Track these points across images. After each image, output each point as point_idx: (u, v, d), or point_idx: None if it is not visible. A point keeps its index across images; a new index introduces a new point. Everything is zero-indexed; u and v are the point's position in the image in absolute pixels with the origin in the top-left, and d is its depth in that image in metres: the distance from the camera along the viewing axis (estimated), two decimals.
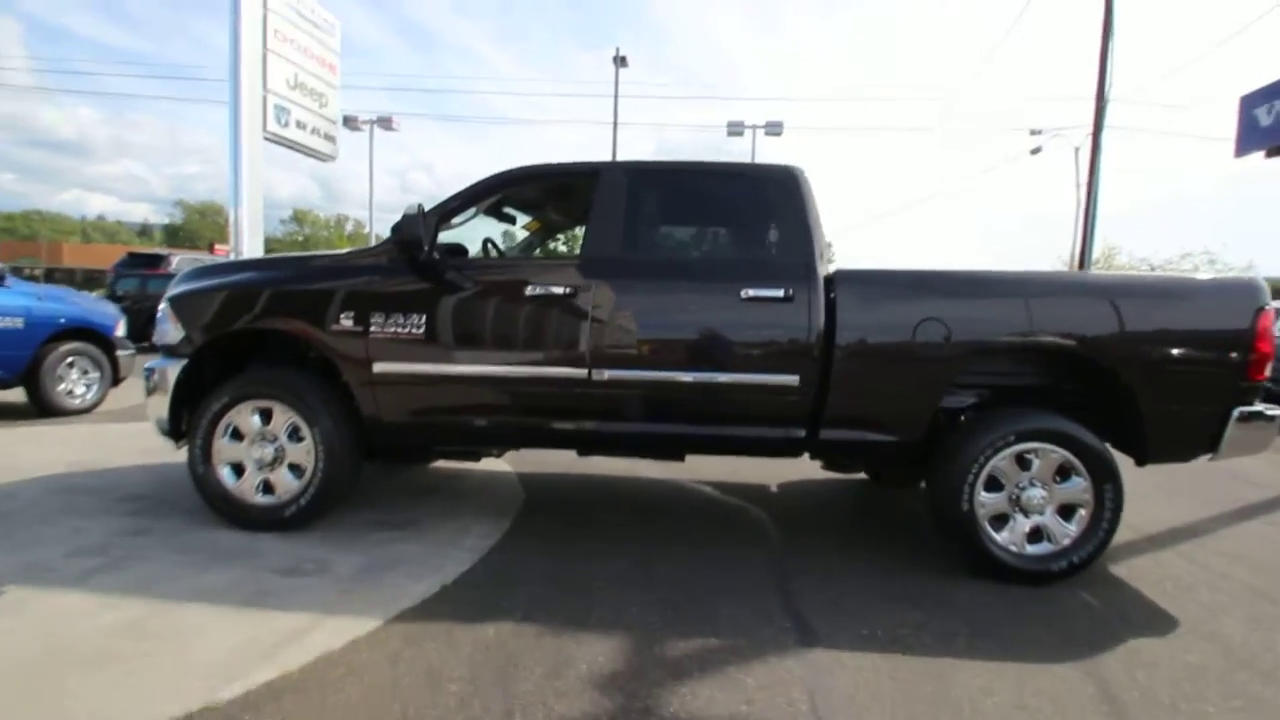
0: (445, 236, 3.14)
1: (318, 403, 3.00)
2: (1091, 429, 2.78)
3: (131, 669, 1.92)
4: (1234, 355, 2.72)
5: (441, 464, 4.45)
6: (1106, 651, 2.24)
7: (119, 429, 5.36)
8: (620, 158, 3.38)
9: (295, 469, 3.08)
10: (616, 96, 23.68)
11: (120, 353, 6.25)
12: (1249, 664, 2.22)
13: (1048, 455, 2.79)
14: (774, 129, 22.87)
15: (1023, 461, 2.81)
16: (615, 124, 23.75)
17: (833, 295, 2.84)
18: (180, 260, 14.72)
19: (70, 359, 5.89)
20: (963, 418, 3.04)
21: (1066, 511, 2.83)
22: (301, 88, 11.84)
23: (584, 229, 3.20)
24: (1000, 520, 2.84)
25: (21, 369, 5.57)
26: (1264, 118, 14.10)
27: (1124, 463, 2.86)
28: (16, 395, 5.98)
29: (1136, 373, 2.75)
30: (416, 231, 2.85)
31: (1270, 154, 14.27)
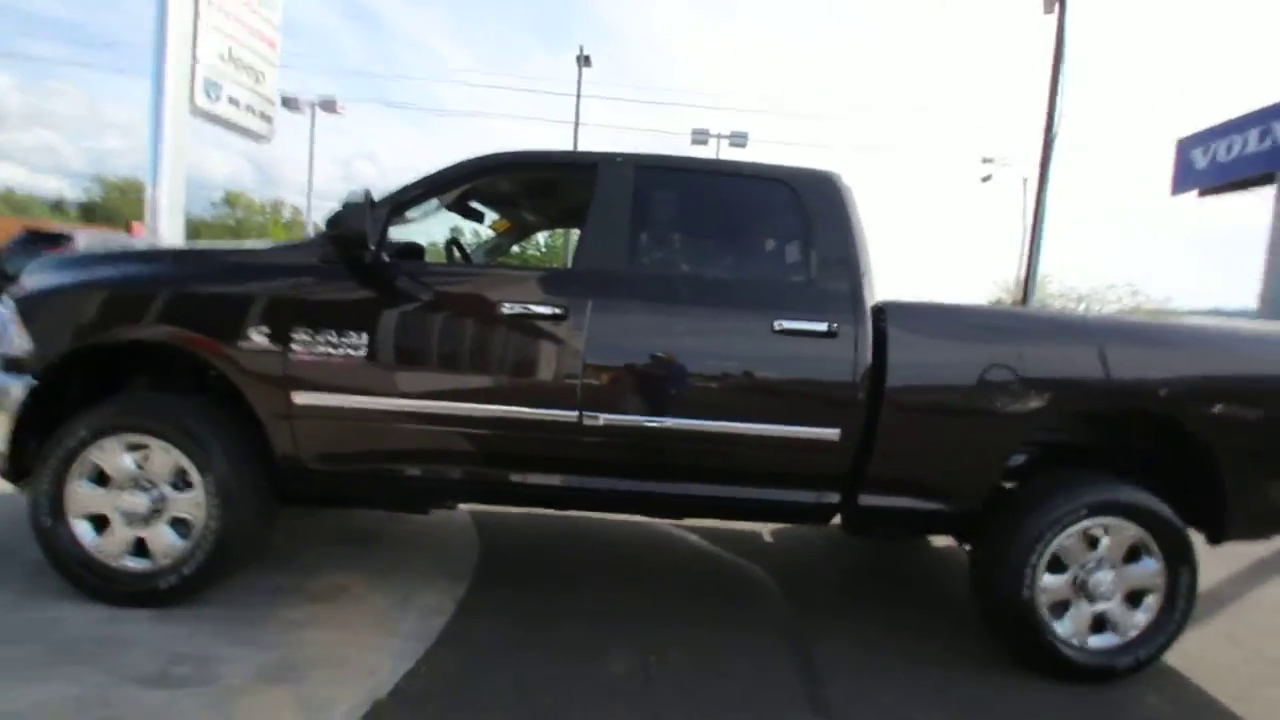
0: (396, 234, 2.47)
1: (213, 440, 2.28)
2: (1164, 501, 2.36)
3: None
4: None
5: None
6: None
7: None
8: None
9: (179, 526, 2.34)
10: (579, 97, 23.06)
11: None
12: None
13: (1120, 532, 2.35)
14: (738, 140, 22.65)
15: (1089, 539, 2.36)
16: (576, 125, 23.09)
17: (883, 331, 2.32)
18: (87, 239, 13.20)
19: None
20: (1013, 484, 2.57)
21: (1133, 598, 2.39)
22: (236, 62, 10.95)
23: (578, 235, 2.59)
24: (1060, 608, 2.37)
25: None
26: (1199, 160, 14.79)
27: None
28: None
29: (1223, 435, 2.34)
30: (360, 225, 2.18)
31: (1203, 194, 14.97)
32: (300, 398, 2.28)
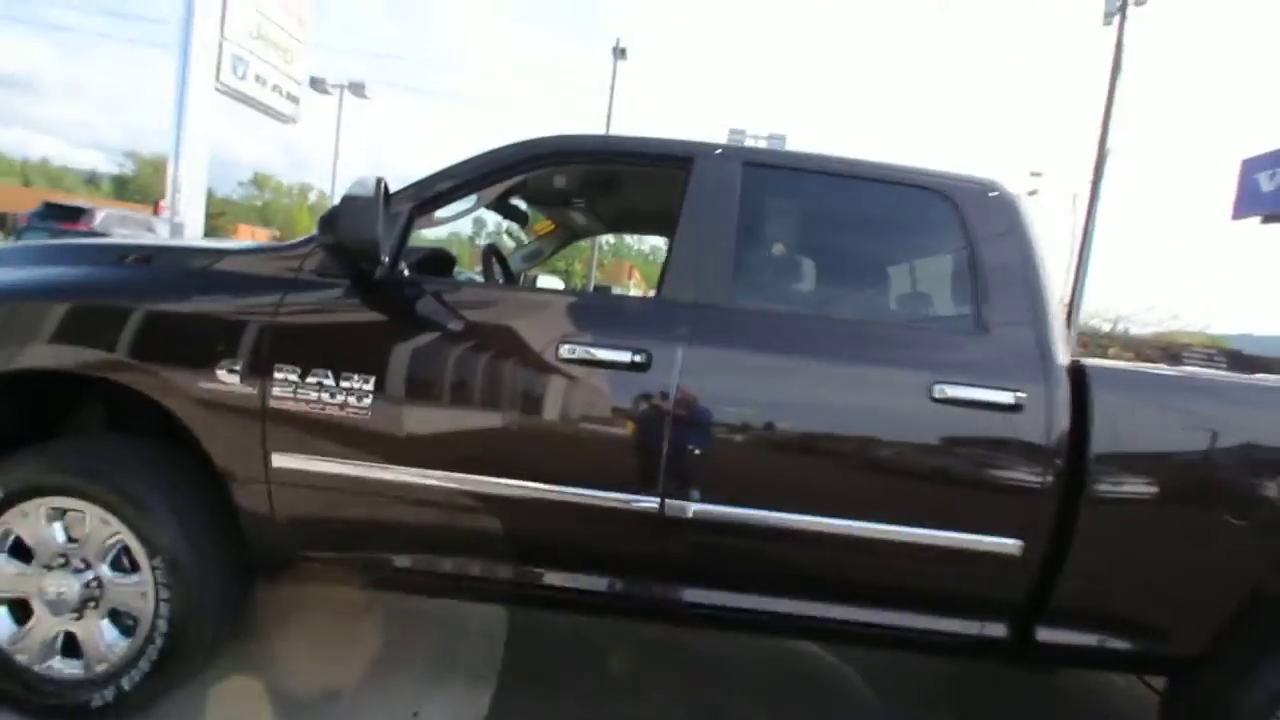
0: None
1: (166, 510, 1.69)
2: None
3: None
4: None
5: None
6: None
7: None
8: None
9: (120, 620, 1.76)
10: (613, 91, 22.40)
11: None
12: None
13: None
14: (776, 141, 21.82)
15: None
16: (609, 121, 22.41)
17: (1084, 402, 1.66)
18: (105, 216, 12.89)
19: None
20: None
21: None
22: (265, 39, 10.57)
23: (666, 254, 1.96)
24: None
25: None
26: (1265, 183, 13.75)
27: None
28: None
29: None
30: (369, 230, 1.57)
31: (1267, 220, 13.95)
32: (282, 459, 1.69)
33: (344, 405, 1.66)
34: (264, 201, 57.20)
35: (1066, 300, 16.37)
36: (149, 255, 1.92)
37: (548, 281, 3.24)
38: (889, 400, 1.70)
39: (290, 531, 1.76)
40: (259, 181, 59.68)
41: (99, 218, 12.52)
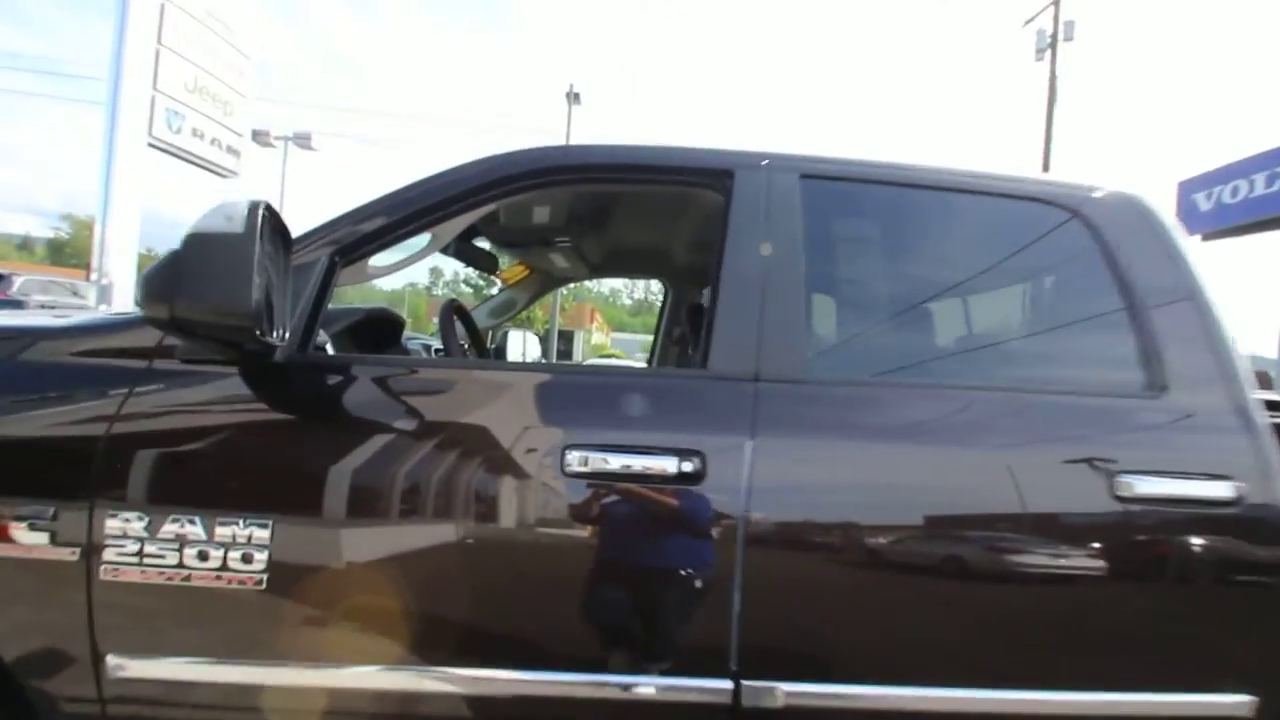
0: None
1: None
2: None
3: None
4: None
5: None
6: None
7: None
8: None
9: None
10: (569, 138, 22.30)
11: None
12: None
13: None
14: None
15: None
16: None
17: None
18: (24, 282, 11.92)
19: None
20: None
21: None
22: (201, 91, 10.09)
23: (705, 312, 1.39)
24: None
25: None
26: (1203, 203, 14.33)
27: None
28: None
29: None
30: (238, 291, 0.97)
31: (1207, 238, 14.50)
32: (122, 664, 1.04)
33: (222, 571, 1.04)
34: None
35: None
36: None
37: (517, 339, 2.60)
38: (1059, 505, 1.15)
39: None
40: None
41: (16, 284, 11.56)
